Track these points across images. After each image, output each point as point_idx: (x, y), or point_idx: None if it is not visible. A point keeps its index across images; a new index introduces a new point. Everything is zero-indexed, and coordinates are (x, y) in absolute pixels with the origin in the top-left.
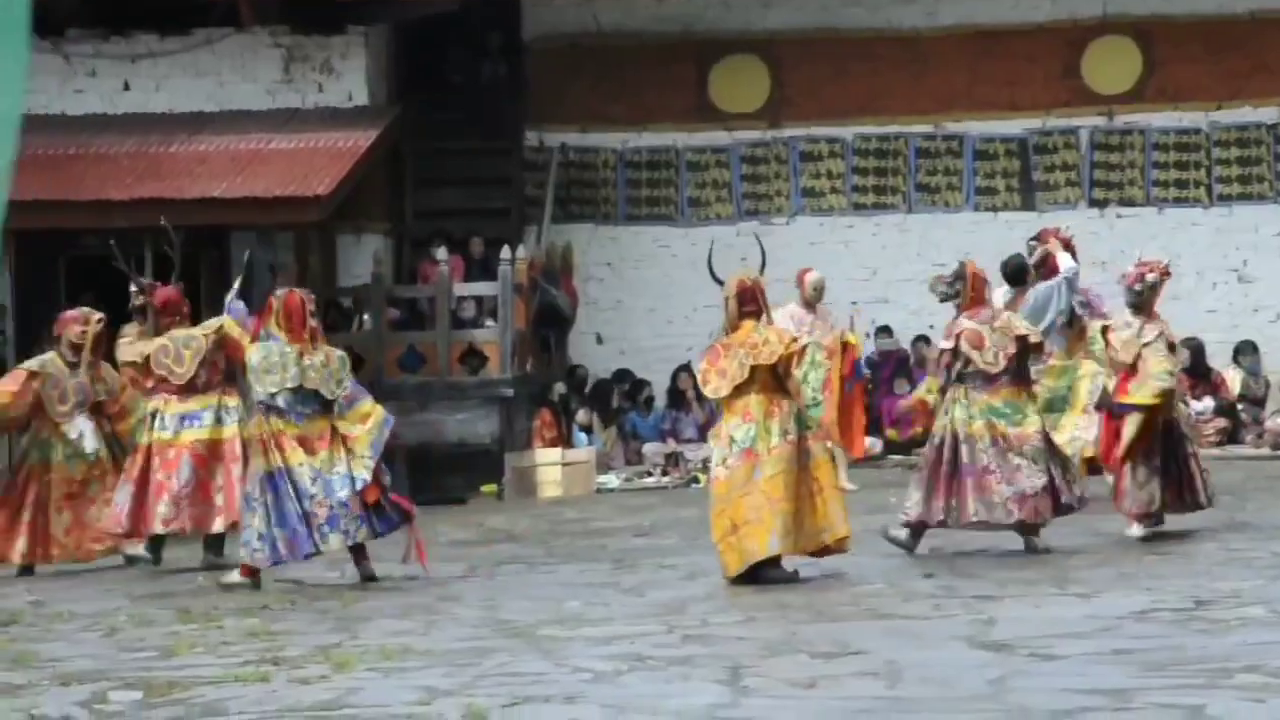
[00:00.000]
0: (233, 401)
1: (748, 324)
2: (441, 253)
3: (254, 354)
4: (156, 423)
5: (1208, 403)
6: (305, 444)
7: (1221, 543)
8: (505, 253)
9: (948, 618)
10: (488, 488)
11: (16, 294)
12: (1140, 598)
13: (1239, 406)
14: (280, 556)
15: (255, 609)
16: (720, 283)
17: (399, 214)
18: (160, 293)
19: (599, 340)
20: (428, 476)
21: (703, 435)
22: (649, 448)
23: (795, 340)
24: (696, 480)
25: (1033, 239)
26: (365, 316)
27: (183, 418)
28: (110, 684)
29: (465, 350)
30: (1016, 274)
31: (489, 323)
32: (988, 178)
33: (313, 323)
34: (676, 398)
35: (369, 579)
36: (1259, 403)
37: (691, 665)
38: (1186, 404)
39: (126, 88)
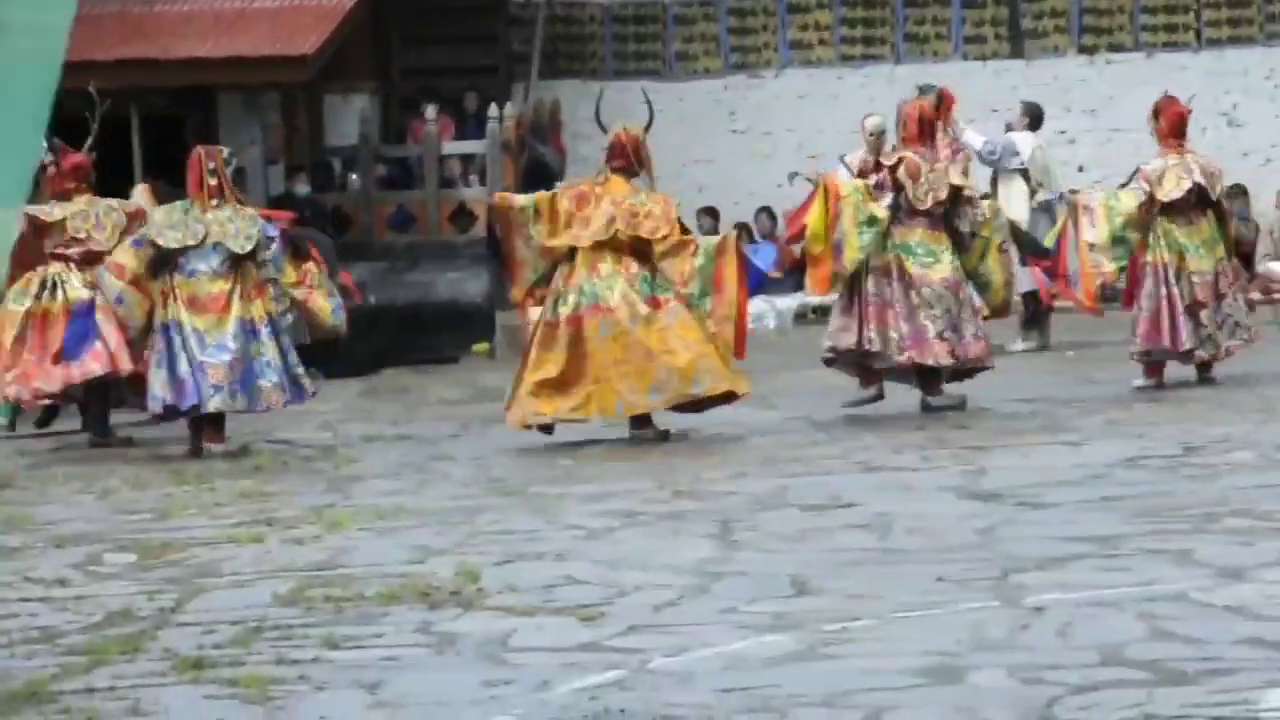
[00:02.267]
0: None
1: (618, 180)
2: (430, 111)
3: (158, 211)
4: (48, 290)
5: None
6: (194, 304)
7: (1210, 389)
8: (493, 110)
9: (937, 469)
10: (479, 346)
11: None
12: (1129, 445)
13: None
14: (166, 403)
15: (249, 471)
16: (605, 130)
17: (386, 73)
18: (71, 158)
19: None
20: (419, 336)
21: None
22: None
23: (686, 231)
24: None
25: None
26: (353, 176)
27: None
28: (105, 546)
29: (455, 209)
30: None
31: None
32: (976, 26)
33: (211, 180)
34: None
35: (197, 451)
36: (1249, 247)
37: (682, 521)
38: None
39: None
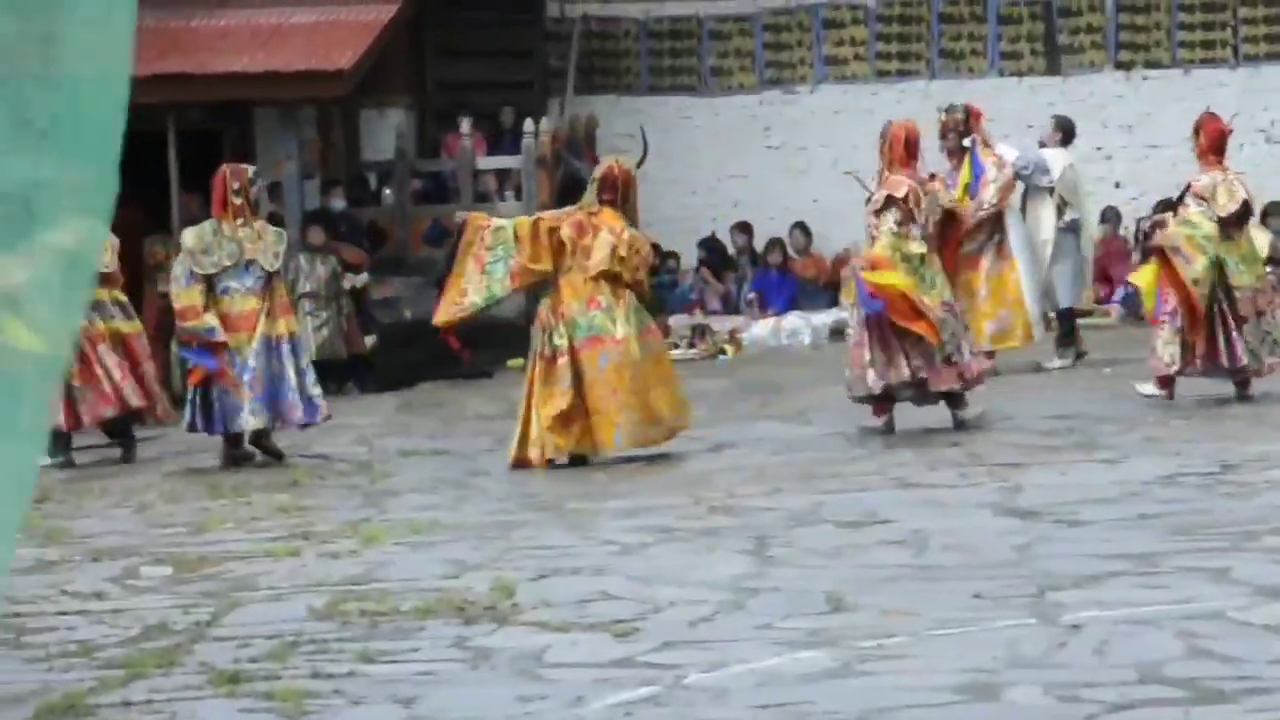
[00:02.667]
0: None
1: (609, 211)
2: (465, 125)
3: (189, 236)
4: None
5: None
6: (226, 322)
7: (1248, 406)
8: (528, 125)
9: (974, 486)
10: (514, 362)
11: None
12: (1167, 462)
13: (1268, 269)
14: (195, 425)
15: (285, 485)
16: (647, 145)
17: (421, 87)
18: None
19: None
20: (454, 351)
21: (727, 307)
22: (675, 320)
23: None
24: (723, 352)
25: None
26: (388, 191)
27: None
28: (141, 559)
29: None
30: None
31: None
32: (1012, 42)
33: (236, 200)
34: (714, 265)
35: (240, 459)
36: None
37: (718, 536)
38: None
39: None
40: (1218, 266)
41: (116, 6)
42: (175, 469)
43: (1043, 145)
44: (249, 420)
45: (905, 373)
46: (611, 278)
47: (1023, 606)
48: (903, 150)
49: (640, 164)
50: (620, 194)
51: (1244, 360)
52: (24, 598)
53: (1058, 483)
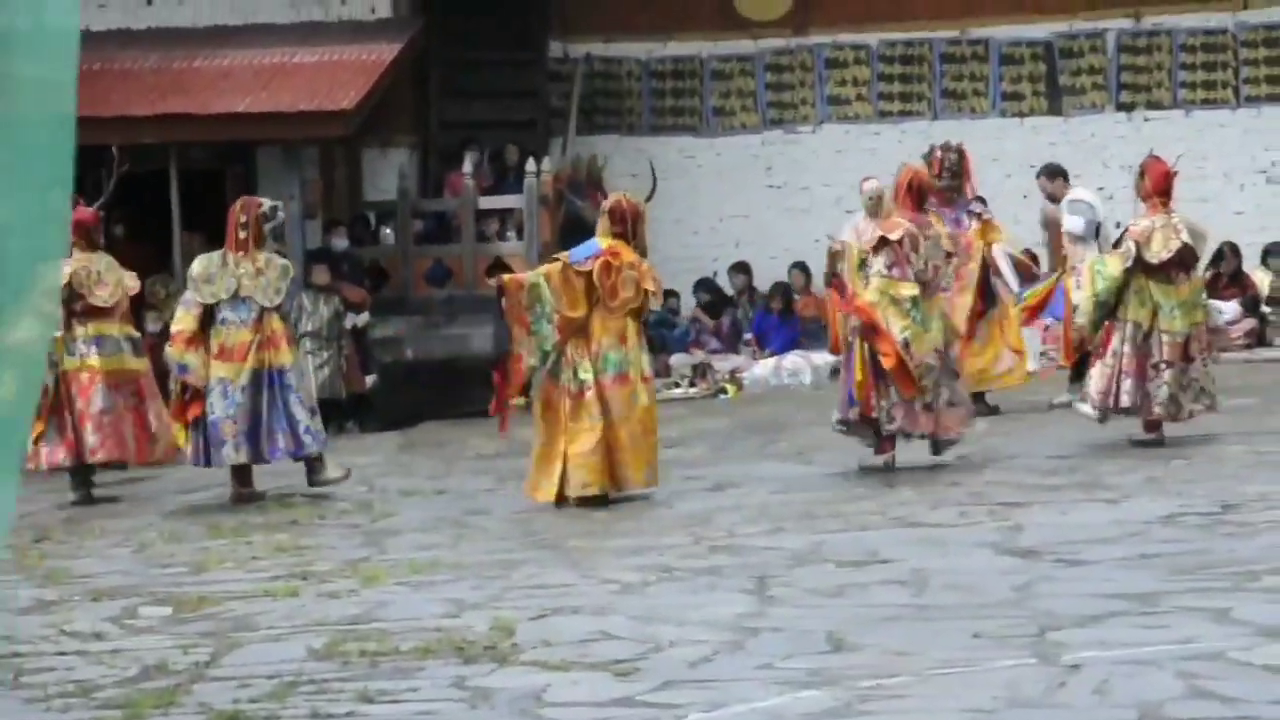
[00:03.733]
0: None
1: (621, 245)
2: (468, 164)
3: (196, 263)
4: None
5: (1235, 305)
6: (223, 352)
7: (1249, 446)
8: (531, 165)
9: (974, 525)
10: (516, 400)
11: None
12: (1167, 502)
13: (1267, 309)
14: (191, 460)
15: (285, 524)
16: (655, 181)
17: (424, 127)
18: (75, 212)
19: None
20: (456, 389)
21: (726, 345)
22: (676, 359)
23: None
24: (724, 391)
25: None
26: (386, 230)
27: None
28: (141, 599)
29: (491, 263)
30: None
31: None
32: (1014, 83)
33: (241, 234)
34: (710, 307)
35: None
36: None
37: (719, 576)
38: (1208, 309)
39: (149, 2)
40: (1149, 310)
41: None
42: (175, 508)
43: (1053, 199)
44: (230, 455)
45: (882, 406)
46: (636, 314)
47: (1023, 646)
48: (905, 194)
49: (649, 198)
50: (629, 227)
51: (1124, 403)
52: (23, 638)
53: (1058, 522)
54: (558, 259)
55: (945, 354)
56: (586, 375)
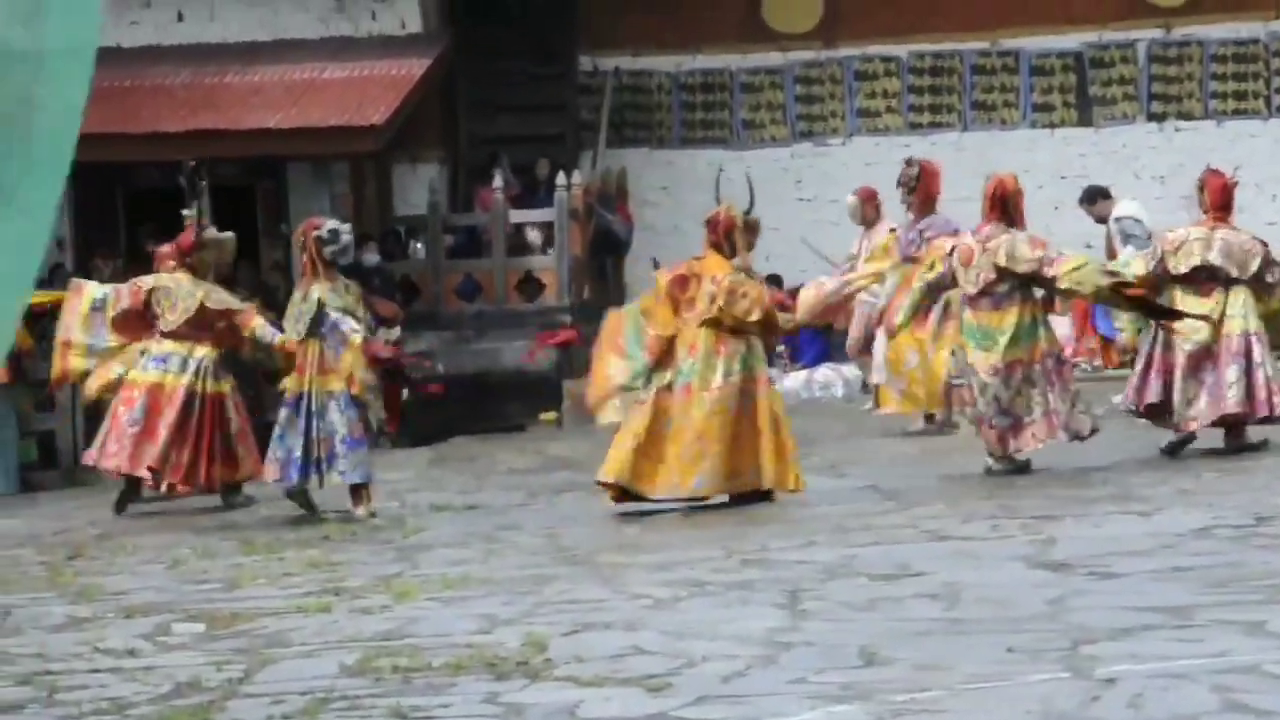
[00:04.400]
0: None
1: (716, 257)
2: (498, 179)
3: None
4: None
5: None
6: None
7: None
8: (561, 178)
9: (1006, 538)
10: (547, 415)
11: (75, 227)
12: (1200, 514)
13: None
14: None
15: (317, 540)
16: (718, 202)
17: (453, 142)
18: (182, 236)
19: (655, 265)
20: (487, 404)
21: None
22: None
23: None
24: None
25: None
26: (417, 244)
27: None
28: (174, 616)
29: (522, 277)
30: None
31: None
32: (1044, 94)
33: (303, 257)
34: None
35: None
36: None
37: (750, 590)
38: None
39: (180, 18)
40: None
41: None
42: (208, 525)
43: (1101, 220)
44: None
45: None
46: (714, 324)
47: (1056, 660)
48: (987, 203)
49: (748, 211)
50: (722, 236)
51: (1150, 399)
52: (56, 655)
53: (1091, 535)
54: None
55: (1005, 370)
56: (675, 380)
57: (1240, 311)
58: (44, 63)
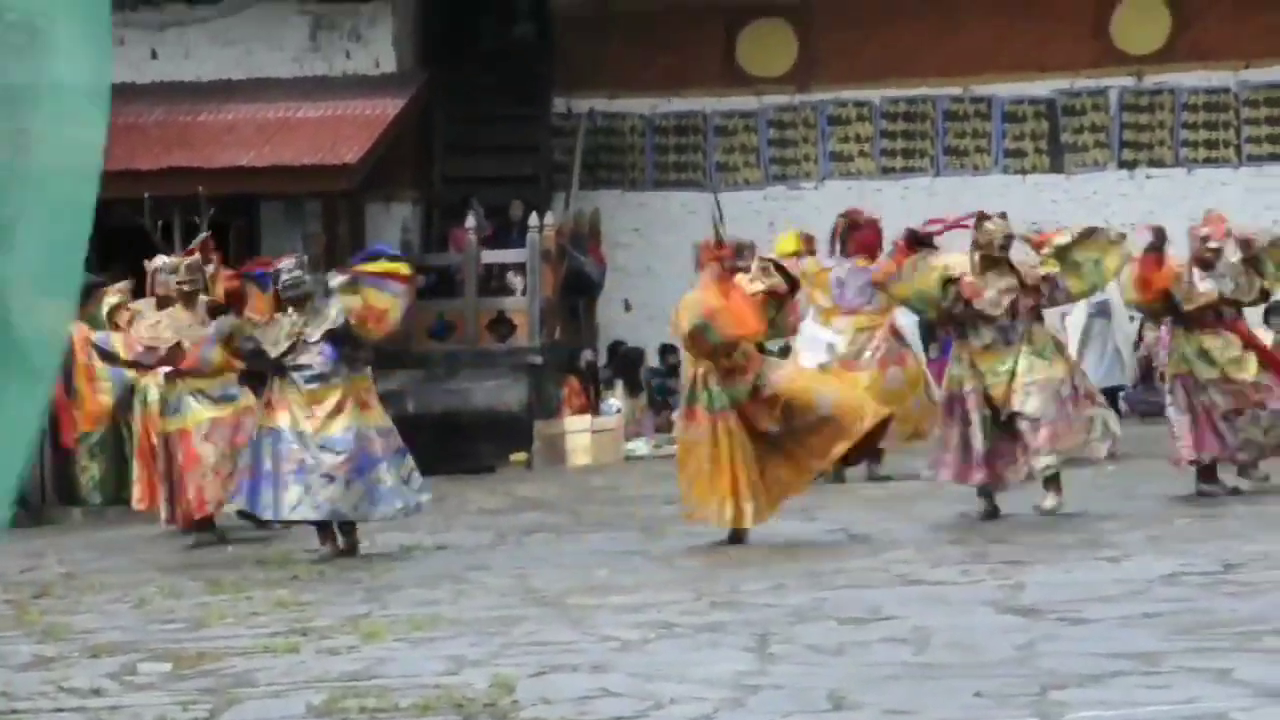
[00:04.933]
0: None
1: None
2: (470, 219)
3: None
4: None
5: None
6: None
7: (1251, 505)
8: (533, 219)
9: (976, 583)
10: (517, 456)
11: None
12: (1169, 561)
13: None
14: None
15: (285, 580)
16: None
17: (427, 181)
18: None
19: (627, 307)
20: (457, 445)
21: None
22: (679, 413)
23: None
24: None
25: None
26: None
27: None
28: (140, 656)
29: (494, 318)
30: None
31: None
32: (1016, 140)
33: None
34: None
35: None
36: None
37: (720, 632)
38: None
39: (154, 56)
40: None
41: (94, 102)
42: (175, 564)
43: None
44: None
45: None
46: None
47: (1025, 705)
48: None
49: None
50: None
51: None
52: (22, 694)
53: (1060, 580)
54: None
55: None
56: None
57: None
58: (44, 98)
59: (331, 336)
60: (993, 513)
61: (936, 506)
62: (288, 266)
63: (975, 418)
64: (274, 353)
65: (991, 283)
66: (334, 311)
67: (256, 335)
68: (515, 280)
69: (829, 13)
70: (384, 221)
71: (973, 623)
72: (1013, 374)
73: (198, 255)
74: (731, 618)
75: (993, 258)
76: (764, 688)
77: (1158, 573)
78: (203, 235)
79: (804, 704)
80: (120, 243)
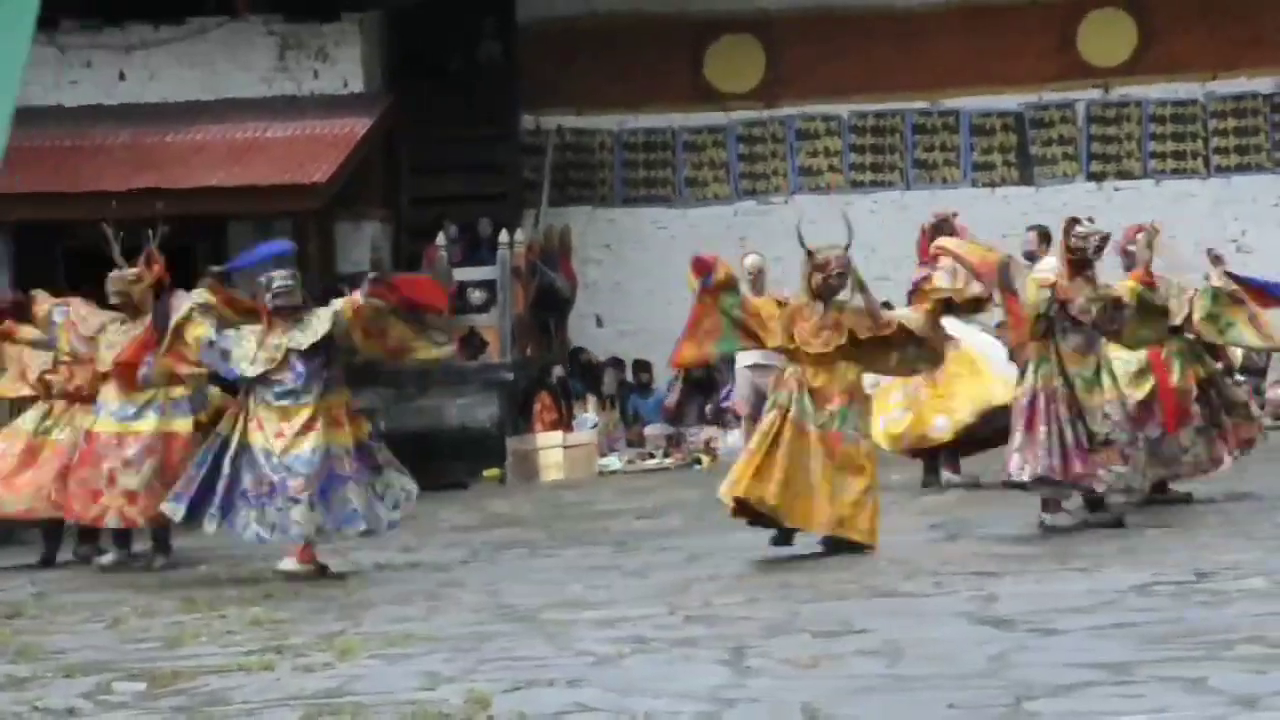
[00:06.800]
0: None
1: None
2: (442, 238)
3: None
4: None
5: None
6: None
7: (1222, 514)
8: (504, 236)
9: (949, 594)
10: (490, 472)
11: (15, 286)
12: (1141, 571)
13: (1240, 378)
14: None
15: (260, 598)
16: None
17: (396, 200)
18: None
19: (599, 323)
20: (429, 462)
21: (701, 417)
22: (650, 429)
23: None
24: (698, 461)
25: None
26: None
27: None
28: (114, 675)
29: (465, 334)
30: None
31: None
32: (985, 153)
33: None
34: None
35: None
36: (1260, 373)
37: (694, 647)
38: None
39: (122, 78)
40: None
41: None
42: (149, 583)
43: (1031, 256)
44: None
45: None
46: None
47: (998, 716)
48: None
49: (847, 247)
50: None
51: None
52: None
53: (1033, 591)
54: None
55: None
56: None
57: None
58: None
59: (318, 349)
60: (1098, 503)
61: (907, 519)
62: (280, 275)
63: (1064, 413)
64: (251, 372)
65: (1080, 289)
66: (323, 323)
67: (229, 343)
68: (476, 295)
69: (796, 28)
70: (353, 240)
71: (946, 634)
72: (1094, 384)
73: (140, 268)
74: (706, 632)
75: (1081, 263)
76: (739, 701)
77: (1130, 583)
78: (149, 247)
79: (779, 717)
80: (90, 264)
